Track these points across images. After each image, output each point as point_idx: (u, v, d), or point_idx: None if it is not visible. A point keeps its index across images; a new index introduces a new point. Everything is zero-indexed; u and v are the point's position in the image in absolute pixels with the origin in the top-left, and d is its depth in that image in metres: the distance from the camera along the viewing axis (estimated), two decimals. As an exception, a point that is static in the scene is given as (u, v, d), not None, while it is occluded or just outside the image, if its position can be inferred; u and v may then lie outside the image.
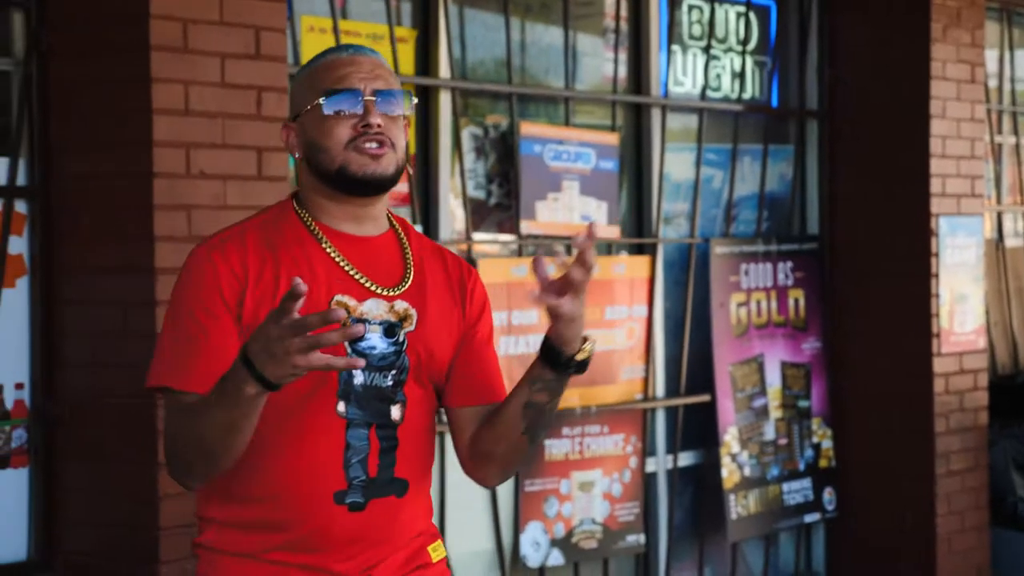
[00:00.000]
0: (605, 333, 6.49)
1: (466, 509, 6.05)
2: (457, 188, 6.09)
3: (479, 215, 6.26)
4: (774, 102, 7.55)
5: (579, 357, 2.89)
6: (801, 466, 7.38)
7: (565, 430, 6.32)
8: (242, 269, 2.90)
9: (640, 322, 6.67)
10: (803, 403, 7.40)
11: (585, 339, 2.89)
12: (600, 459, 6.46)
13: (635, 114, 6.89)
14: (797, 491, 7.34)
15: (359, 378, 2.93)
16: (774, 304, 7.31)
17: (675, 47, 7.04)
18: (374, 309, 2.96)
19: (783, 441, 7.29)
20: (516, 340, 6.14)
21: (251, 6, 4.89)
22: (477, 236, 6.17)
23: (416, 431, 3.01)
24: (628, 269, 6.63)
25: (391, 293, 2.97)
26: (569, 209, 6.38)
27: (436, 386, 3.07)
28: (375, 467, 2.94)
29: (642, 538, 6.62)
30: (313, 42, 5.63)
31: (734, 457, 7.00)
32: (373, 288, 2.96)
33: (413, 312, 3.00)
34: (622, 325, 6.59)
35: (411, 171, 5.84)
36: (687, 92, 7.09)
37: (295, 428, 2.90)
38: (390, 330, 2.97)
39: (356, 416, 2.93)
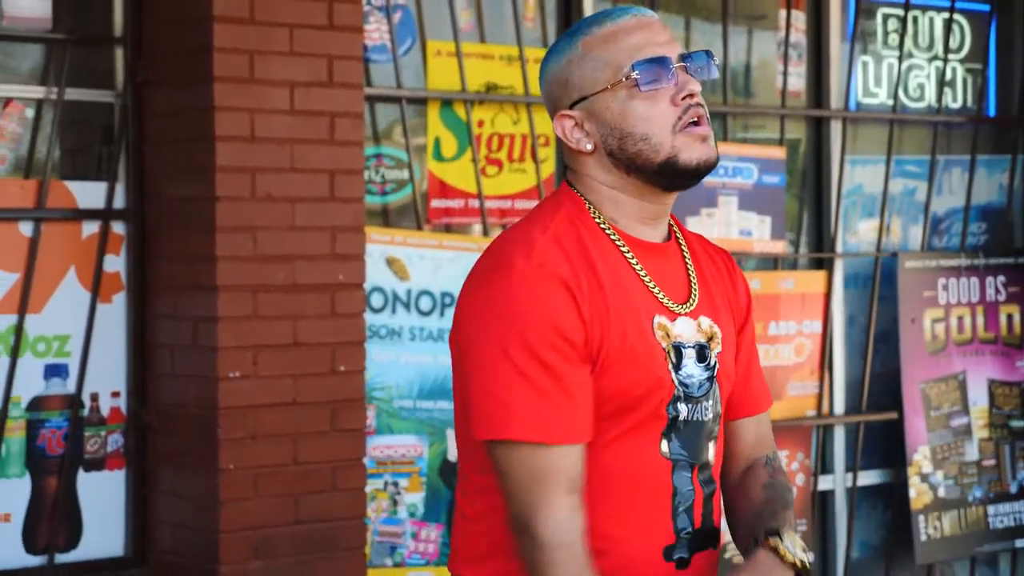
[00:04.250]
0: (768, 348, 6.45)
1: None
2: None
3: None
4: (990, 110, 7.30)
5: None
6: (1013, 488, 7.11)
7: (718, 445, 6.30)
8: (575, 282, 2.44)
9: (813, 338, 6.58)
10: (1017, 423, 7.13)
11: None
12: (760, 475, 6.40)
13: (815, 127, 6.81)
14: (1007, 514, 7.08)
15: (684, 412, 2.52)
16: (981, 320, 7.07)
17: (867, 57, 6.91)
18: (686, 331, 2.55)
19: (989, 462, 7.04)
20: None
21: (324, 36, 5.13)
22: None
23: (720, 471, 2.67)
24: (798, 284, 6.56)
25: (687, 309, 2.56)
26: (727, 224, 6.36)
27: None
28: (699, 516, 2.55)
29: (810, 556, 6.51)
30: (440, 67, 5.83)
31: (925, 477, 6.81)
32: (673, 307, 2.55)
33: (718, 330, 2.61)
34: (789, 341, 6.53)
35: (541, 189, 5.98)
36: (880, 103, 6.95)
37: (621, 472, 2.49)
38: (701, 353, 2.56)
39: (680, 457, 2.53)
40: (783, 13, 6.66)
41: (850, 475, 6.76)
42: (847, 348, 6.80)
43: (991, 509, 7.03)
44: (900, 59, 6.89)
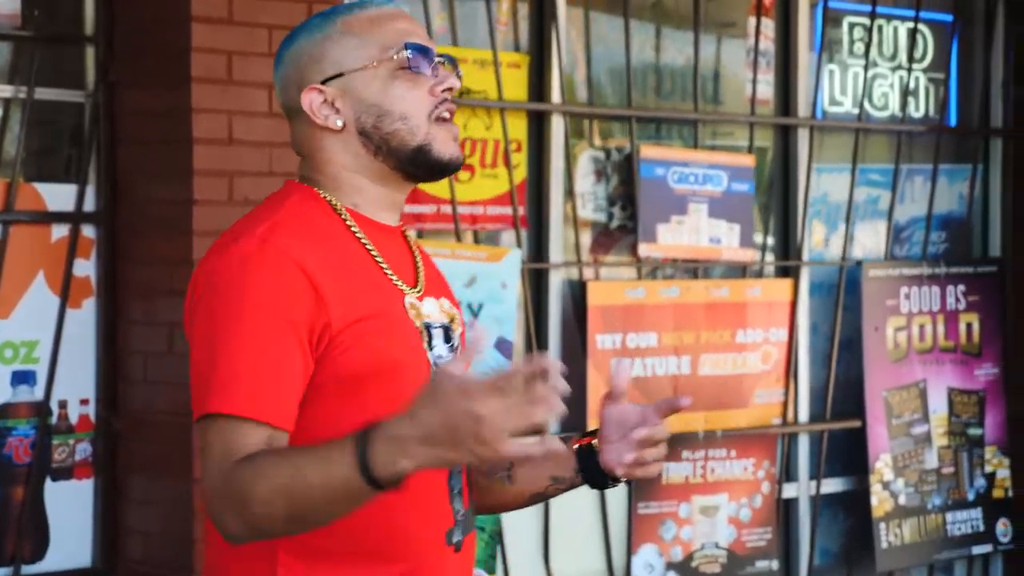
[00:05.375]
0: (735, 357, 6.42)
1: (574, 529, 6.07)
2: (570, 212, 6.11)
3: (608, 237, 6.27)
4: (951, 120, 7.30)
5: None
6: (970, 496, 7.13)
7: (685, 454, 6.27)
8: (307, 264, 2.37)
9: (779, 346, 6.56)
10: (974, 431, 7.14)
11: None
12: (726, 483, 6.38)
13: (783, 135, 6.78)
14: (964, 521, 7.09)
15: None
16: (941, 329, 7.07)
17: (833, 66, 6.90)
18: (433, 311, 2.53)
19: (948, 470, 7.05)
20: (631, 363, 6.13)
21: (304, 38, 5.04)
22: (591, 258, 6.19)
23: None
24: (765, 292, 6.53)
25: (417, 293, 2.51)
26: (696, 232, 6.32)
27: None
28: (468, 497, 2.54)
29: (775, 564, 6.51)
30: (413, 68, 5.74)
31: (886, 485, 6.80)
32: (408, 290, 2.50)
33: (456, 312, 2.60)
34: (756, 349, 6.50)
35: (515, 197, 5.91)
36: (846, 112, 6.94)
37: None
38: (447, 334, 2.54)
39: None
40: (752, 20, 6.62)
41: (814, 483, 6.74)
42: (813, 357, 6.79)
43: (949, 516, 7.04)
44: (866, 68, 6.88)
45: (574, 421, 6.05)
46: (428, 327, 2.50)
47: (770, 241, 6.74)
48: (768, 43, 6.69)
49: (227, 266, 2.35)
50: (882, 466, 6.79)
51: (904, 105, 7.03)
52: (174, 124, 4.90)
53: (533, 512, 5.94)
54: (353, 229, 2.48)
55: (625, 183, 6.29)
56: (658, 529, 6.23)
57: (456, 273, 5.62)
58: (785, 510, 6.67)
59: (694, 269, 6.38)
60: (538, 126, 6.10)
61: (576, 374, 6.06)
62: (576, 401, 6.04)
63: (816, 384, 6.79)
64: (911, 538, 6.88)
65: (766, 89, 6.70)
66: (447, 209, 5.81)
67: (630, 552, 6.17)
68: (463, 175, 5.88)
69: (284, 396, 2.31)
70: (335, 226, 2.47)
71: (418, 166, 2.49)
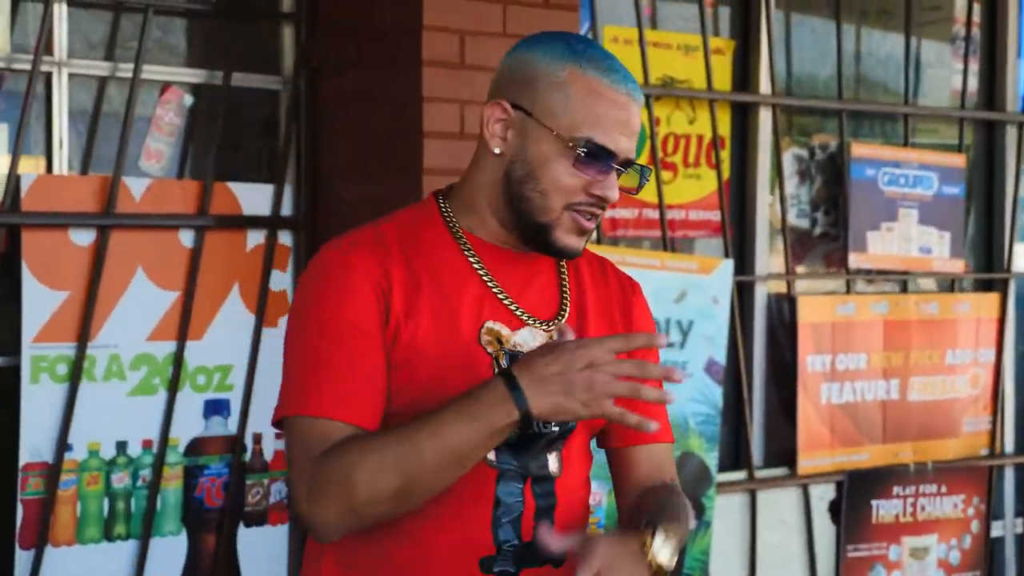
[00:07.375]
0: (945, 380, 5.77)
1: (781, 573, 5.41)
2: (776, 216, 5.46)
3: (802, 246, 5.62)
4: None
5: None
6: None
7: (896, 490, 5.62)
8: (384, 276, 2.38)
9: (987, 368, 5.91)
10: None
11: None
12: (936, 522, 5.73)
13: (987, 132, 6.13)
14: None
15: None
16: None
17: (1032, 55, 6.26)
18: (529, 340, 2.43)
19: None
20: (841, 387, 5.47)
21: (539, 15, 4.37)
22: (800, 270, 5.54)
23: (575, 486, 2.48)
24: (974, 308, 5.88)
25: (547, 327, 2.45)
26: (906, 240, 5.67)
27: (593, 430, 2.54)
28: (529, 529, 2.40)
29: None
30: (617, 55, 5.06)
31: (1094, 523, 6.18)
32: (526, 317, 2.44)
33: None
34: (965, 371, 5.85)
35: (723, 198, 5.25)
36: (1051, 108, 6.30)
37: None
38: None
39: (509, 467, 2.39)
40: (961, 3, 5.97)
41: (1020, 520, 6.10)
42: (1018, 379, 6.14)
43: None
44: (1072, 59, 6.25)
45: (783, 453, 5.42)
46: (513, 356, 2.39)
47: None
48: (972, 31, 6.04)
49: (312, 269, 2.40)
50: (1090, 501, 6.16)
51: (1106, 101, 6.41)
52: (397, 115, 4.21)
53: (740, 554, 5.29)
54: (463, 247, 2.44)
55: (828, 184, 5.64)
56: (867, 574, 5.57)
57: (666, 287, 4.97)
58: (990, 551, 6.02)
59: (903, 282, 5.73)
60: (741, 120, 5.44)
61: (784, 400, 5.42)
62: (784, 434, 5.40)
63: (1020, 410, 6.15)
64: (1121, 581, 6.25)
65: (970, 81, 6.04)
66: (649, 213, 5.15)
67: (839, 599, 5.52)
68: (666, 175, 5.22)
69: (356, 394, 2.31)
70: (441, 243, 2.45)
71: (534, 239, 2.43)
